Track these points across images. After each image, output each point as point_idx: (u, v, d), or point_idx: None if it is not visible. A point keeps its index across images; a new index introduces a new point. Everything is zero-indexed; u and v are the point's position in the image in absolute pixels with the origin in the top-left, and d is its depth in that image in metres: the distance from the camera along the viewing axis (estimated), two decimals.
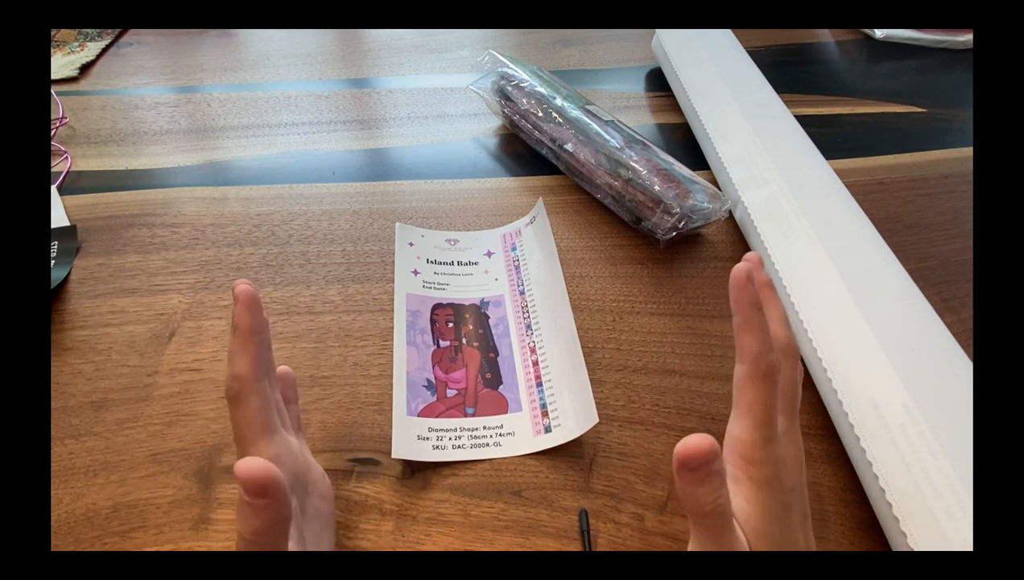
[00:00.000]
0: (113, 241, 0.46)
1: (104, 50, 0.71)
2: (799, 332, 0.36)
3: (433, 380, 0.37)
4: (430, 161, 0.55)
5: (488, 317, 0.41)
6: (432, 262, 0.44)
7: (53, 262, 0.44)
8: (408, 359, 0.37)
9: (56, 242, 0.45)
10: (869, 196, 0.48)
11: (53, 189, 0.51)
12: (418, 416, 0.35)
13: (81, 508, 0.32)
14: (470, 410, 0.36)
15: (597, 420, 0.32)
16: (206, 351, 0.39)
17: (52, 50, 0.71)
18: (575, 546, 0.30)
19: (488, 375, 0.38)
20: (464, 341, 0.39)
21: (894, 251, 0.39)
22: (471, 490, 0.32)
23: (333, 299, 0.42)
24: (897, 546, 0.28)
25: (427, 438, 0.34)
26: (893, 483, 0.28)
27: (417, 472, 0.33)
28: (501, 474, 0.33)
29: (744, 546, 0.22)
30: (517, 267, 0.44)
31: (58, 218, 0.48)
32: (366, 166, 0.54)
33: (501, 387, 0.37)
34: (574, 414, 0.34)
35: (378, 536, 0.30)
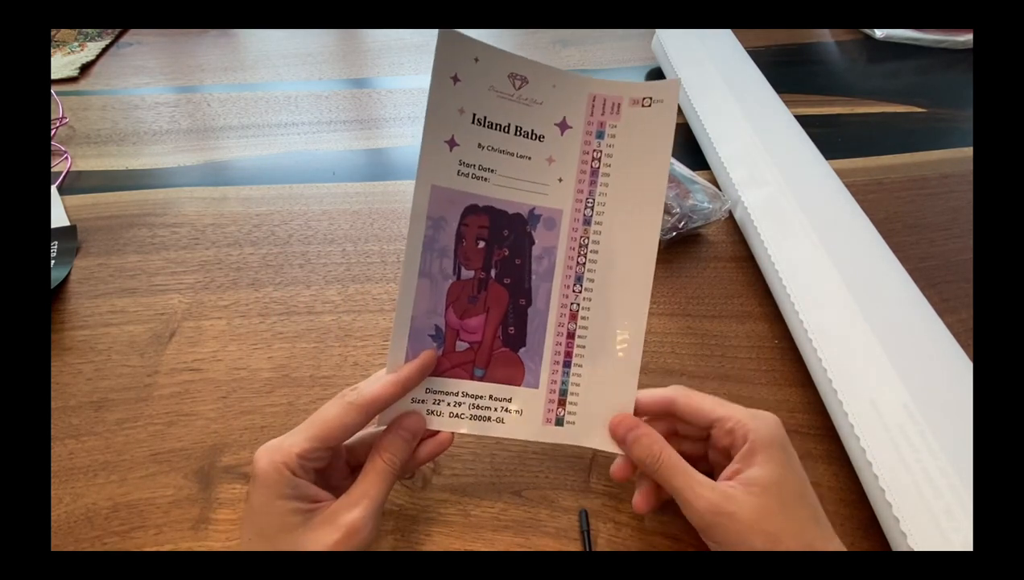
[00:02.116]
0: (113, 241, 0.46)
1: (104, 50, 0.71)
2: (799, 332, 0.36)
3: (443, 327, 0.29)
4: None
5: (533, 241, 0.30)
6: (480, 123, 0.28)
7: (53, 262, 0.44)
8: (417, 297, 0.28)
9: (56, 242, 0.45)
10: (869, 196, 0.48)
11: (53, 189, 0.51)
12: None
13: (81, 508, 0.32)
14: (479, 371, 0.30)
15: (621, 452, 0.29)
16: (206, 351, 0.39)
17: (52, 50, 0.71)
18: (575, 546, 0.30)
19: (511, 330, 0.30)
20: (493, 273, 0.30)
21: (894, 251, 0.39)
22: (471, 490, 0.32)
23: (333, 299, 0.42)
24: (897, 546, 0.28)
25: (422, 401, 0.29)
26: (893, 483, 0.28)
27: (417, 471, 0.33)
28: (501, 474, 0.33)
29: (700, 481, 0.25)
30: (595, 172, 0.30)
31: (58, 218, 0.48)
32: (366, 166, 0.54)
33: (522, 350, 0.30)
34: (598, 422, 0.30)
35: (378, 536, 0.30)
